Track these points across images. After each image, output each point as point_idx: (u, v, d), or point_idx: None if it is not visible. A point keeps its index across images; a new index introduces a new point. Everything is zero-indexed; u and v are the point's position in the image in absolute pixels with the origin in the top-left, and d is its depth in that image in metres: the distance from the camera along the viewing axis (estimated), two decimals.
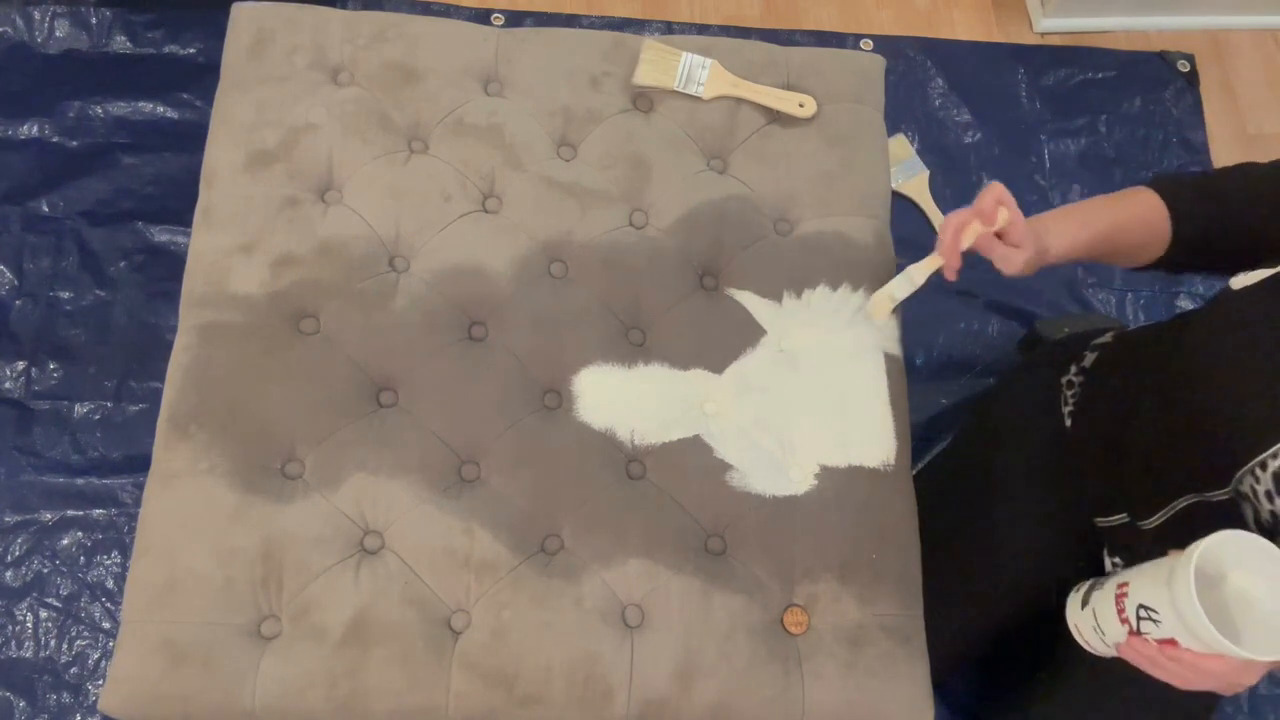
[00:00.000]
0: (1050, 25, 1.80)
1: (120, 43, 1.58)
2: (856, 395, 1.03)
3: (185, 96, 1.56)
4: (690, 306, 1.05)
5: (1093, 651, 0.87)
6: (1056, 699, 1.02)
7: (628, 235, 1.07)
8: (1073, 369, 1.07)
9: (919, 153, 1.66)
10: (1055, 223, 0.92)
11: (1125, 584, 0.81)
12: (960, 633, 1.07)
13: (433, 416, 0.97)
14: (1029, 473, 1.07)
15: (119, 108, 1.54)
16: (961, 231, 0.91)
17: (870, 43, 1.74)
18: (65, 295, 1.43)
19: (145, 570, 0.90)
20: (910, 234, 1.60)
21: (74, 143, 1.51)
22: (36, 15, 1.57)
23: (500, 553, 0.93)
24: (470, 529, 0.93)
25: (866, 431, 1.02)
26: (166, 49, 1.58)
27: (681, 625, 0.92)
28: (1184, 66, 1.80)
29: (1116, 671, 0.98)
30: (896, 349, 1.06)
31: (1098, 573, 1.05)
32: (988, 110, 1.71)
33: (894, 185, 1.60)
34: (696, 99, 1.13)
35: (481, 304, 1.02)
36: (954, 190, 1.65)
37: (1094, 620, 0.85)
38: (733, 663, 0.92)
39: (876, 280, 1.07)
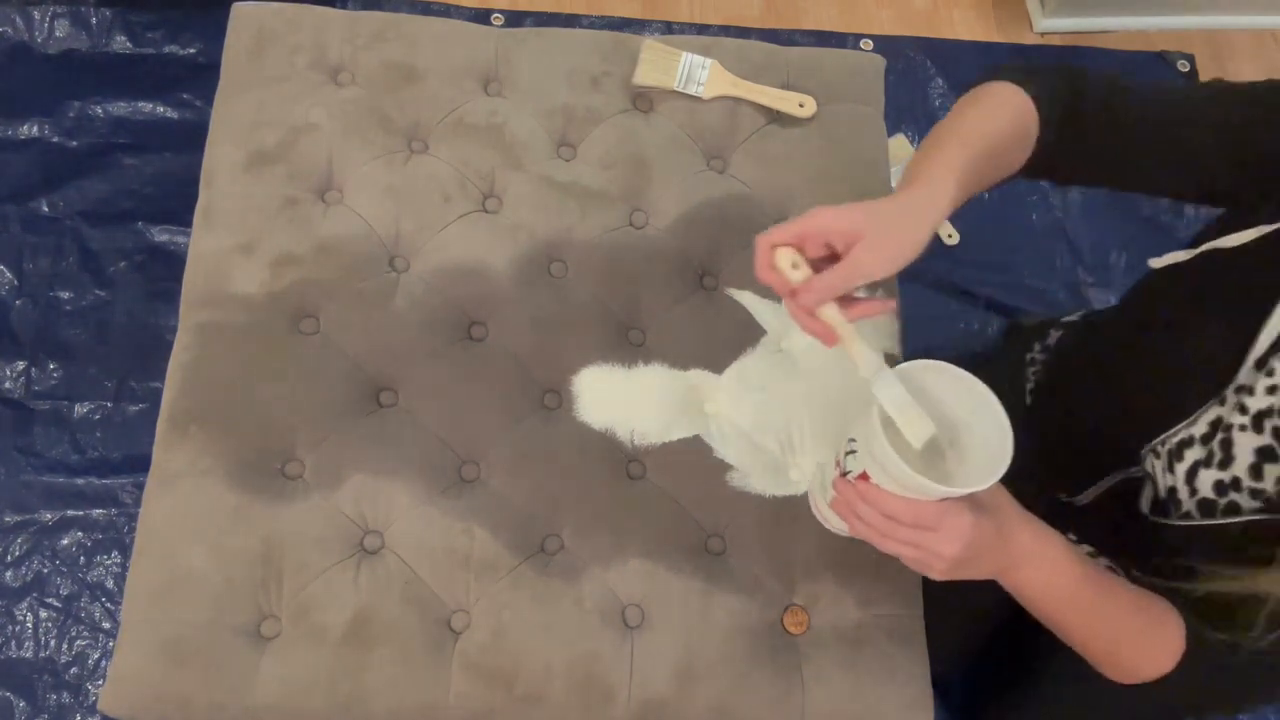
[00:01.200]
0: (1050, 25, 1.80)
1: (120, 43, 1.58)
2: (856, 395, 1.03)
3: (185, 96, 1.56)
4: (690, 306, 1.05)
5: (827, 526, 0.85)
6: (1055, 699, 1.02)
7: (628, 235, 1.07)
8: (1037, 347, 1.07)
9: None
10: (929, 170, 0.73)
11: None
12: (960, 632, 1.07)
13: (432, 416, 0.97)
14: None
15: (119, 108, 1.54)
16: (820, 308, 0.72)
17: (870, 43, 1.75)
18: (65, 295, 1.43)
19: (145, 570, 0.90)
20: None
21: (74, 143, 1.51)
22: (36, 15, 1.57)
23: (500, 553, 0.93)
24: (470, 529, 0.93)
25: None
26: (166, 49, 1.58)
27: (681, 625, 0.92)
28: (1184, 66, 1.80)
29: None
30: (896, 349, 1.06)
31: None
32: None
33: (894, 185, 1.59)
34: (696, 99, 1.13)
35: (481, 304, 1.02)
36: None
37: (821, 478, 0.82)
38: (733, 663, 0.92)
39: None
